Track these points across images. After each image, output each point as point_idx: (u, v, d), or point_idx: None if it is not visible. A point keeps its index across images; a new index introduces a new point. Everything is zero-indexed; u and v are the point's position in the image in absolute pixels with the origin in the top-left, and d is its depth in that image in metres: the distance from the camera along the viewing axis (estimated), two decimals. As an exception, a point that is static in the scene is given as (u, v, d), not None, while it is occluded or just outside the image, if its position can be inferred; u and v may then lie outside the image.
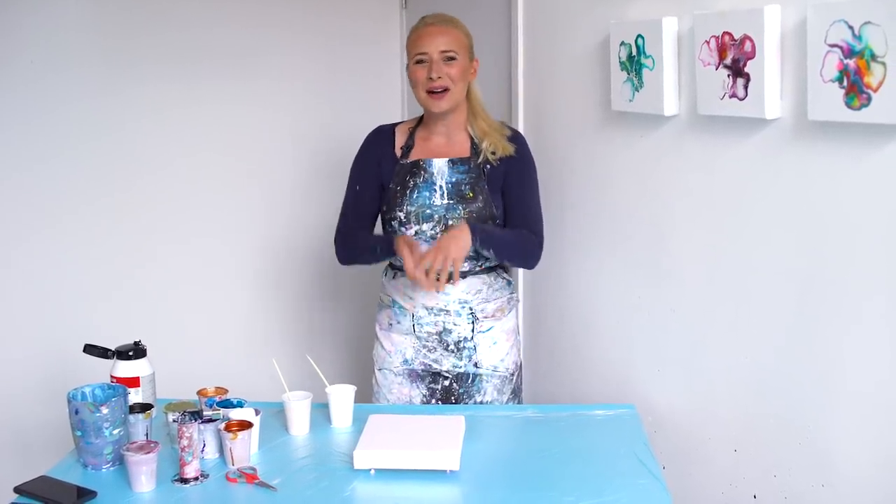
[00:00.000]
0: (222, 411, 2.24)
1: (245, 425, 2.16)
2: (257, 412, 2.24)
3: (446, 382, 2.71)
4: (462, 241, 2.50)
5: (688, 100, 2.28)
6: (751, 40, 1.98)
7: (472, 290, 2.67)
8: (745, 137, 2.10)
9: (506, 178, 2.65)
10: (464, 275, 2.64)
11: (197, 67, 3.56)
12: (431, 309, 2.67)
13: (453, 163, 2.63)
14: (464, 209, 2.60)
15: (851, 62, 1.75)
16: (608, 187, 2.67)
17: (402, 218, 2.62)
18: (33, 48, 3.26)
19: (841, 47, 1.76)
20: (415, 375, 2.72)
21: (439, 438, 2.15)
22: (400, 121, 2.81)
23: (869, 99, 1.72)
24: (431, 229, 2.61)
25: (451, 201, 2.61)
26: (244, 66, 3.67)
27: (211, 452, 2.19)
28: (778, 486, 2.13)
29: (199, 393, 2.39)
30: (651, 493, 2.01)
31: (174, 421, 2.21)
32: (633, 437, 2.29)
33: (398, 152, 2.69)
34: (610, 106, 2.56)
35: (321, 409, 2.40)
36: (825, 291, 1.95)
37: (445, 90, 2.57)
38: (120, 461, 2.12)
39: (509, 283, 2.76)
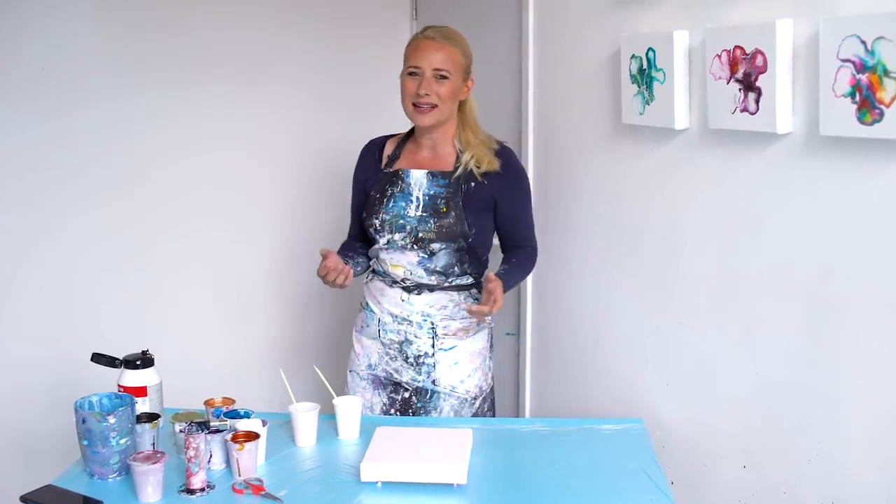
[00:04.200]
0: (229, 422, 2.24)
1: (252, 436, 2.16)
2: (264, 423, 2.24)
3: (406, 394, 2.71)
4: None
5: (698, 113, 2.28)
6: (762, 54, 1.98)
7: (436, 305, 2.66)
8: (756, 152, 2.10)
9: (496, 198, 2.64)
10: (431, 289, 2.65)
11: (207, 74, 3.57)
12: (396, 317, 2.67)
13: (433, 175, 2.63)
14: (435, 223, 2.59)
15: (864, 77, 1.74)
16: (618, 201, 2.66)
17: (377, 225, 2.64)
18: (44, 54, 3.27)
19: (853, 62, 1.76)
20: (378, 382, 2.73)
21: (447, 452, 2.14)
22: (394, 133, 2.81)
23: (881, 114, 1.71)
24: (402, 239, 2.61)
25: (425, 214, 2.60)
26: (253, 73, 3.68)
27: (217, 463, 2.18)
28: (787, 503, 2.12)
29: (206, 403, 2.39)
30: (659, 508, 2.00)
31: (181, 431, 2.20)
32: (642, 452, 2.28)
33: (384, 161, 2.72)
34: (620, 119, 2.56)
35: (328, 421, 2.40)
36: (836, 306, 1.94)
37: (432, 107, 2.57)
38: (126, 471, 2.11)
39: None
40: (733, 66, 2.07)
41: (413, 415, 2.69)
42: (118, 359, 2.41)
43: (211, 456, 2.17)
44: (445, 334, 2.67)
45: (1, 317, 3.32)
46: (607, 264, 2.74)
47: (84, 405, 2.17)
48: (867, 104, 1.74)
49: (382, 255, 2.67)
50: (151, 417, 2.24)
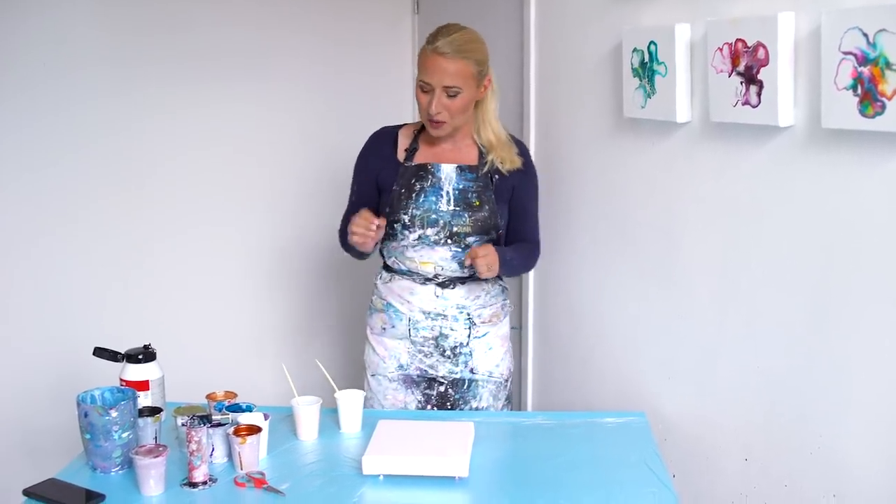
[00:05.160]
0: (231, 415, 2.24)
1: (254, 430, 2.16)
2: (266, 417, 2.24)
3: (441, 388, 2.70)
4: (496, 268, 2.54)
5: (700, 107, 2.28)
6: (764, 47, 1.98)
7: (470, 296, 2.67)
8: (758, 145, 2.09)
9: (514, 191, 2.67)
10: (463, 280, 2.65)
11: (208, 69, 3.57)
12: (429, 313, 2.66)
13: (461, 169, 2.62)
14: (469, 217, 2.60)
15: (866, 70, 1.74)
16: (619, 194, 2.66)
17: (407, 221, 2.61)
18: (45, 50, 3.26)
19: (855, 55, 1.75)
20: (410, 381, 2.72)
21: (448, 445, 2.15)
22: (404, 123, 2.79)
23: (883, 107, 1.71)
24: (436, 234, 2.60)
25: (458, 208, 2.60)
26: (254, 68, 3.68)
27: (219, 457, 2.19)
28: (789, 496, 2.12)
29: (208, 397, 2.40)
30: (661, 501, 2.00)
31: (183, 425, 2.21)
32: (643, 445, 2.29)
33: (401, 155, 2.69)
34: (622, 113, 2.56)
35: (330, 414, 2.40)
36: (837, 300, 1.94)
37: (444, 122, 2.56)
38: (129, 464, 2.12)
39: (504, 289, 2.78)
40: (735, 59, 2.07)
41: (451, 408, 2.70)
42: (120, 353, 2.41)
43: (213, 449, 2.17)
44: (482, 322, 2.68)
45: (3, 312, 3.32)
46: (609, 258, 2.74)
47: (86, 399, 2.18)
48: (869, 97, 1.74)
49: (409, 252, 2.64)
50: (153, 411, 2.24)
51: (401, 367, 2.71)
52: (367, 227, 2.51)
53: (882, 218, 1.81)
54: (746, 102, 2.05)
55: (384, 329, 2.73)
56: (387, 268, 2.74)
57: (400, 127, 2.76)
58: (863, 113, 1.75)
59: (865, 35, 1.73)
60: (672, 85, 2.31)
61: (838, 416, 1.97)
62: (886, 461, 1.86)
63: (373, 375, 2.76)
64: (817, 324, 1.99)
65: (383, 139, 2.74)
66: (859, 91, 1.75)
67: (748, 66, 2.03)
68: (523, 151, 2.71)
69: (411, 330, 2.68)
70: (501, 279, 2.78)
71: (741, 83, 2.06)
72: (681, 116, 2.32)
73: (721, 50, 2.11)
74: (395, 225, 2.63)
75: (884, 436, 1.86)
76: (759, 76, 2.00)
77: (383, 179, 2.67)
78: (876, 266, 1.84)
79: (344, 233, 2.77)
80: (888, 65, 1.69)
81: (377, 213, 2.68)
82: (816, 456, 2.03)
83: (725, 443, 2.31)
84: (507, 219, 2.71)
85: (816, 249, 1.98)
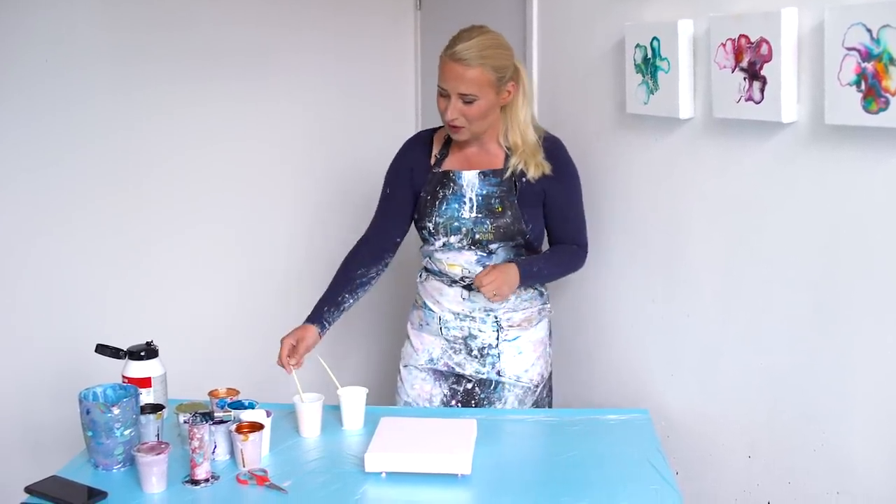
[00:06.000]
0: (233, 413, 2.24)
1: (256, 427, 2.16)
2: (269, 414, 2.24)
3: (469, 385, 2.69)
4: (514, 285, 2.52)
5: (703, 103, 2.27)
6: (767, 43, 1.97)
7: None
8: (761, 141, 2.09)
9: (546, 194, 2.60)
10: None
11: (210, 66, 3.56)
12: (458, 314, 2.66)
13: (484, 175, 2.59)
14: (491, 223, 2.57)
15: (869, 65, 1.73)
16: (623, 190, 2.66)
17: (431, 228, 2.61)
18: (47, 47, 3.26)
19: (859, 50, 1.75)
20: (438, 374, 2.72)
21: (451, 442, 2.14)
22: (439, 126, 2.76)
23: (887, 103, 1.71)
24: (459, 242, 2.59)
25: (480, 215, 2.58)
26: (257, 66, 3.66)
27: (222, 454, 2.19)
28: (792, 493, 2.11)
29: (210, 394, 2.39)
30: (664, 498, 1.99)
31: (185, 422, 2.20)
32: (646, 442, 2.28)
33: (432, 160, 2.67)
34: (625, 109, 2.55)
35: (333, 412, 2.40)
36: (841, 296, 1.93)
37: (462, 126, 2.53)
38: (131, 462, 2.12)
39: (541, 294, 2.72)
40: (738, 54, 2.07)
41: (476, 405, 2.68)
42: (122, 350, 2.41)
43: (215, 447, 2.17)
44: (510, 326, 2.66)
45: (6, 308, 3.32)
46: (612, 254, 2.74)
47: (88, 396, 2.17)
48: (873, 92, 1.73)
49: (438, 254, 2.64)
50: (155, 408, 2.24)
51: (431, 360, 2.72)
52: (285, 361, 2.54)
53: (886, 214, 1.81)
54: (749, 98, 2.05)
55: (421, 325, 2.75)
56: (425, 267, 2.74)
57: (435, 131, 2.74)
58: (866, 109, 1.75)
59: (869, 31, 1.72)
60: (675, 81, 2.31)
61: (842, 414, 1.96)
62: (890, 458, 1.86)
63: (405, 366, 2.77)
64: (821, 321, 1.99)
65: (418, 143, 2.73)
66: (863, 87, 1.75)
67: (751, 61, 2.03)
68: (557, 154, 2.63)
69: (442, 328, 2.68)
70: (540, 283, 2.73)
71: (744, 79, 2.06)
72: (684, 112, 2.32)
73: (724, 46, 2.11)
74: (423, 232, 2.65)
75: (887, 433, 1.86)
76: (763, 72, 2.00)
77: (417, 185, 2.67)
78: (880, 263, 1.83)
79: (362, 240, 2.77)
80: (892, 60, 1.69)
81: (412, 219, 2.69)
82: (820, 453, 2.02)
83: (729, 440, 2.31)
84: (546, 222, 2.66)
85: (820, 246, 1.97)
